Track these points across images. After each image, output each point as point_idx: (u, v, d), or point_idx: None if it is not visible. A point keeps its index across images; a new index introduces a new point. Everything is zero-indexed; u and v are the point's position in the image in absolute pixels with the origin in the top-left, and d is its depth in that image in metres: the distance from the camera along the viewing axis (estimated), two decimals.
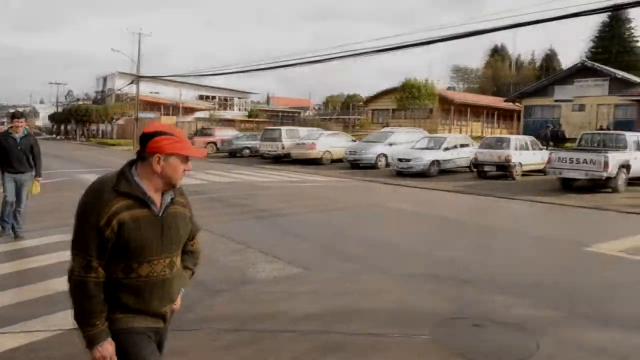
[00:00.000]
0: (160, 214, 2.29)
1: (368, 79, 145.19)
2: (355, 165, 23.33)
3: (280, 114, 68.61)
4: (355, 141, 26.52)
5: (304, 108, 76.71)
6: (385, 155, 23.09)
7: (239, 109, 68.42)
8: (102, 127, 60.11)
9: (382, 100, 47.86)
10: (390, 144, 23.47)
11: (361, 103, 60.62)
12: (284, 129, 28.39)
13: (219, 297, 5.72)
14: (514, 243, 9.02)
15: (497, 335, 4.85)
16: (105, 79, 66.58)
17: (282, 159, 26.78)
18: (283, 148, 26.50)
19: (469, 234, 9.87)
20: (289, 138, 26.78)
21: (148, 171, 2.26)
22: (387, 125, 36.95)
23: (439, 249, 8.28)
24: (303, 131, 28.47)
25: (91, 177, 17.28)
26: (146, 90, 51.97)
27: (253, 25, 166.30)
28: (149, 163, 2.25)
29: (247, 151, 30.67)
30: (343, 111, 67.70)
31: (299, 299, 5.72)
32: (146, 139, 2.27)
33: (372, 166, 22.81)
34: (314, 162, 24.81)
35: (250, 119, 58.51)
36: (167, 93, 57.87)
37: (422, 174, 19.62)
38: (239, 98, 66.76)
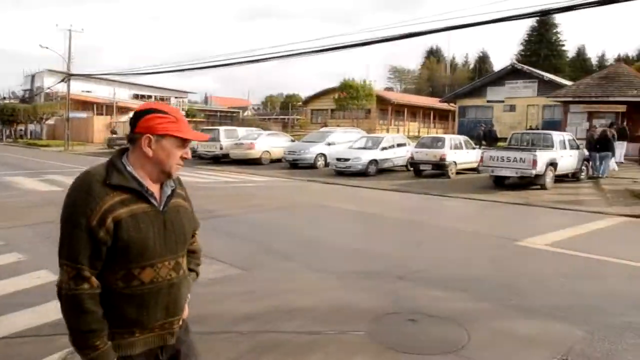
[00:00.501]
0: (161, 209, 1.98)
1: (308, 79, 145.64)
2: (294, 165, 23.36)
3: (218, 113, 67.82)
4: (294, 141, 26.55)
5: (243, 108, 76.12)
6: (324, 155, 23.23)
7: None
8: (30, 127, 57.46)
9: (321, 100, 48.18)
10: (329, 144, 23.64)
11: (300, 103, 60.86)
12: (222, 129, 28.05)
13: None
14: (448, 239, 9.27)
15: (430, 329, 4.96)
16: (33, 77, 63.66)
17: (221, 160, 26.47)
18: (221, 148, 26.19)
19: (405, 231, 10.10)
20: (227, 138, 26.49)
21: (140, 157, 1.94)
22: (326, 125, 37.24)
23: (376, 246, 8.42)
24: (242, 131, 28.22)
25: (20, 180, 16.70)
26: (78, 88, 50.13)
27: (192, 23, 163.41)
28: (139, 146, 1.93)
29: None
30: (282, 111, 67.74)
31: (238, 300, 5.67)
32: (136, 118, 1.95)
33: (311, 166, 22.90)
34: (253, 163, 24.65)
35: (187, 119, 57.40)
36: (100, 92, 56.00)
37: (361, 173, 19.88)
38: (176, 97, 65.48)
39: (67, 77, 41.40)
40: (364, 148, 21.18)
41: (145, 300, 1.93)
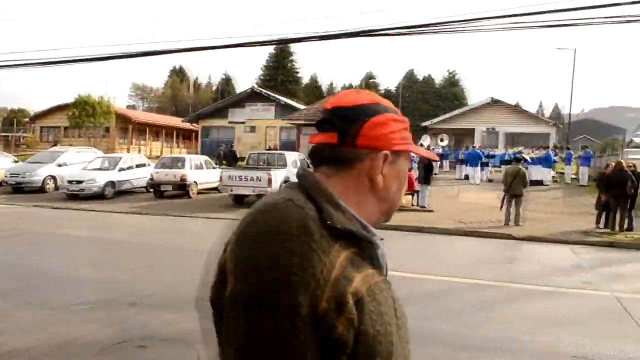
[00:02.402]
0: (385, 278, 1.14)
1: (38, 93, 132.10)
2: (18, 189, 20.77)
3: None
4: (18, 162, 23.71)
5: None
6: (54, 177, 21.19)
7: None
8: None
9: (53, 117, 43.98)
10: (60, 165, 21.67)
11: (28, 119, 54.72)
12: None
13: None
14: (184, 260, 9.23)
15: (160, 353, 4.88)
16: None
17: None
18: None
19: (140, 254, 9.77)
20: None
21: (359, 188, 1.14)
22: (57, 144, 34.14)
23: (106, 274, 7.96)
24: None
25: None
26: None
27: None
28: (361, 171, 1.13)
29: None
30: (6, 128, 60.03)
31: None
32: (352, 118, 1.12)
33: (40, 190, 20.67)
34: None
35: None
36: None
37: (97, 196, 18.64)
38: None
39: None
40: (100, 169, 19.94)
41: None
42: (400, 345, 1.06)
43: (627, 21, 11.84)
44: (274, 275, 0.92)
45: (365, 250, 1.05)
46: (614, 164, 14.42)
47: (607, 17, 12.02)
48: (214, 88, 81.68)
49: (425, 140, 30.51)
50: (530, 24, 12.61)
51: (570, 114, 44.53)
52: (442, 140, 31.80)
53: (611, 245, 11.98)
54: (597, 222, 13.94)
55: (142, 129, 44.29)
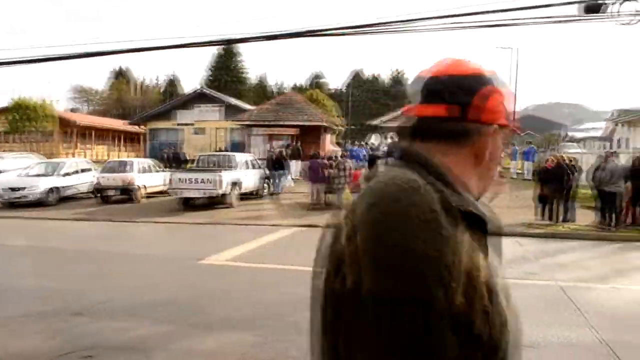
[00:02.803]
0: None
1: None
2: None
3: None
4: None
5: None
6: None
7: None
8: None
9: None
10: None
11: None
12: None
13: None
14: (133, 266, 9.03)
15: None
16: None
17: None
18: None
19: (85, 263, 9.44)
20: None
21: (467, 164, 1.05)
22: None
23: (50, 284, 7.68)
24: None
25: None
26: None
27: None
28: (471, 146, 1.04)
29: None
30: None
31: None
32: (464, 88, 1.03)
33: None
34: None
35: None
36: None
37: (39, 203, 17.95)
38: None
39: None
40: (42, 175, 19.21)
41: None
42: (514, 334, 0.95)
43: (559, 21, 12.30)
44: (410, 269, 0.84)
45: (478, 232, 0.95)
46: (553, 158, 14.96)
47: (540, 18, 12.45)
48: (161, 89, 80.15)
49: (375, 139, 30.87)
50: (470, 23, 12.93)
51: (514, 111, 45.86)
52: (391, 138, 32.20)
53: (553, 236, 12.42)
54: (540, 214, 14.41)
55: (87, 133, 42.97)
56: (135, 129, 42.04)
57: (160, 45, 15.84)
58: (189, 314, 6.08)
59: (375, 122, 41.00)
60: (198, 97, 38.95)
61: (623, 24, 11.55)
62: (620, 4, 11.22)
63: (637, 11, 11.55)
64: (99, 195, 18.96)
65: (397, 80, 77.11)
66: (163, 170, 20.78)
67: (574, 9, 11.83)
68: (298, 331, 5.39)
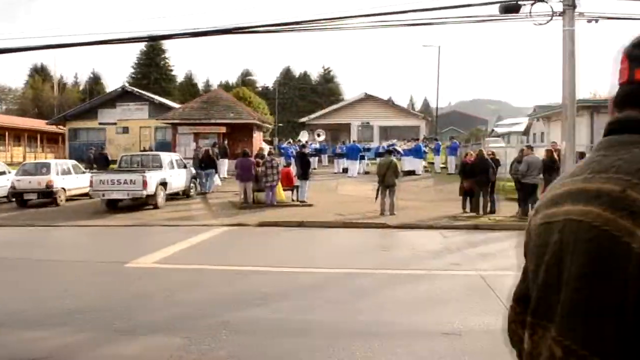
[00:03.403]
0: None
1: None
2: None
3: None
4: None
5: None
6: None
7: None
8: None
9: None
10: None
11: None
12: None
13: None
14: (54, 272, 8.62)
15: None
16: None
17: None
18: None
19: (2, 270, 8.92)
20: None
21: None
22: None
23: None
24: None
25: None
26: None
27: None
28: None
29: None
30: None
31: None
32: None
33: None
34: None
35: None
36: None
37: None
38: None
39: None
40: None
41: None
42: None
43: (480, 20, 12.79)
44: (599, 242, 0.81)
45: None
46: (473, 153, 15.57)
47: (462, 17, 12.91)
48: (81, 87, 76.95)
49: (303, 136, 30.98)
50: (396, 22, 13.21)
51: (437, 107, 47.38)
52: (319, 135, 32.49)
53: (476, 227, 12.92)
54: (463, 207, 14.95)
55: (1, 134, 40.70)
56: (54, 129, 40.19)
57: (81, 41, 15.25)
58: (114, 319, 5.88)
59: (304, 119, 41.14)
60: (122, 95, 37.77)
61: (540, 24, 12.17)
62: (532, 4, 11.79)
63: (553, 12, 12.19)
64: (15, 199, 18.00)
65: (326, 77, 77.69)
66: (83, 172, 19.93)
67: (495, 9, 12.35)
68: (226, 331, 5.34)
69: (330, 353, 4.77)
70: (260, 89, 75.31)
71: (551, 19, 12.24)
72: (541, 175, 14.08)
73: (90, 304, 6.53)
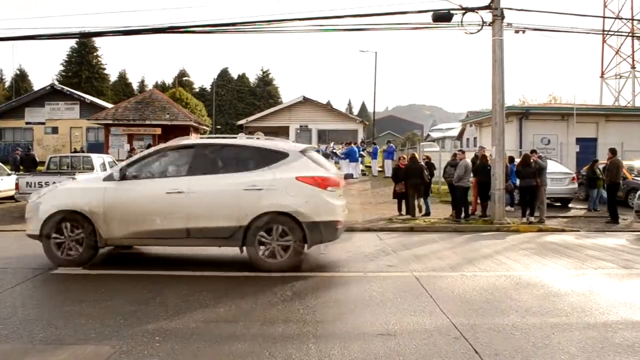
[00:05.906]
0: None
1: None
2: None
3: None
4: None
5: None
6: None
7: None
8: None
9: None
10: None
11: None
12: None
13: None
14: None
15: None
16: None
17: None
18: None
19: None
20: None
21: None
22: None
23: None
24: None
25: None
26: None
27: None
28: None
29: None
30: None
31: None
32: None
33: None
34: None
35: None
36: None
37: None
38: None
39: None
40: None
41: None
42: None
43: (414, 28, 13.10)
44: None
45: None
46: (406, 157, 15.95)
47: (398, 24, 13.20)
48: (7, 85, 73.34)
49: (241, 139, 30.72)
50: (334, 27, 13.35)
51: (374, 112, 48.11)
52: (257, 138, 32.23)
53: (411, 229, 13.20)
54: (399, 209, 15.25)
55: None
56: None
57: (6, 36, 14.56)
58: (39, 328, 5.61)
59: (242, 121, 40.85)
60: (51, 94, 36.33)
61: (471, 33, 12.61)
62: (463, 14, 12.20)
63: (483, 22, 12.65)
64: None
65: (264, 80, 77.44)
66: (9, 174, 19.00)
67: (429, 17, 12.69)
68: (159, 337, 5.21)
69: (265, 356, 4.74)
70: (197, 90, 74.18)
71: (481, 29, 12.74)
72: (472, 178, 14.60)
73: (13, 313, 6.21)
